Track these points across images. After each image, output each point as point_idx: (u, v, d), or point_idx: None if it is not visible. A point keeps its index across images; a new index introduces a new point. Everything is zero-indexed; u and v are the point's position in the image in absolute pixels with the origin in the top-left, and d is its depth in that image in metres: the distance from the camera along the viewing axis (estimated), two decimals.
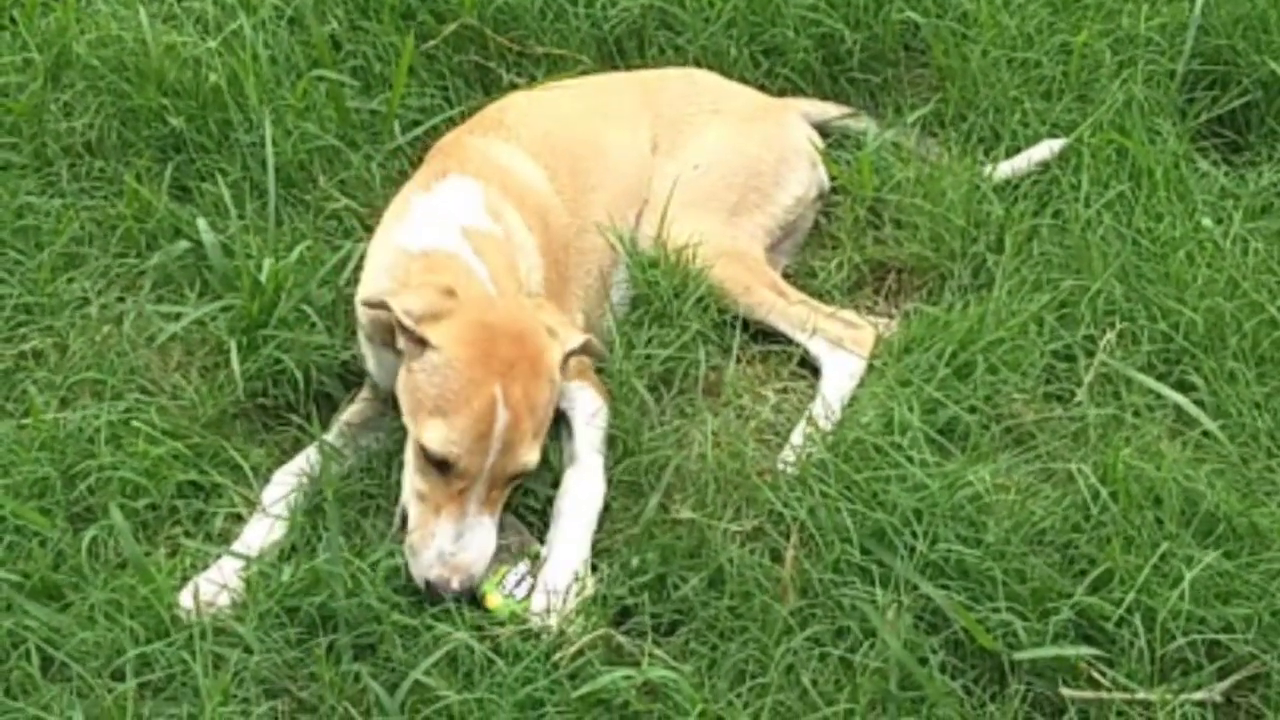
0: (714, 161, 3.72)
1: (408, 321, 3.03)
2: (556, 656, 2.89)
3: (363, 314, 3.27)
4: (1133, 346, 3.46)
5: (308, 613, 2.96)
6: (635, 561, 3.05)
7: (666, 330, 3.46)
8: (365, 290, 3.30)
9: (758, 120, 3.85)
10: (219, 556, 3.07)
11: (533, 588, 3.02)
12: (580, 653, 2.90)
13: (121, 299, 3.56)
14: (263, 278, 3.37)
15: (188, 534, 3.16)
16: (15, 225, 3.63)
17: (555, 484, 3.21)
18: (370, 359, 3.33)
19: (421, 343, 3.03)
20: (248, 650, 2.91)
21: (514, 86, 4.02)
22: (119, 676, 2.87)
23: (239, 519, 3.19)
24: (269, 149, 3.67)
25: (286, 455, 3.28)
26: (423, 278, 3.15)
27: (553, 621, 2.95)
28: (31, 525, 3.05)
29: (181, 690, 2.86)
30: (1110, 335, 3.46)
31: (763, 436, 3.38)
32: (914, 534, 3.04)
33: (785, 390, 3.52)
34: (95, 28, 3.99)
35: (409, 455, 3.08)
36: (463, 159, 3.46)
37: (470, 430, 2.98)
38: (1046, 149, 3.85)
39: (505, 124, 3.60)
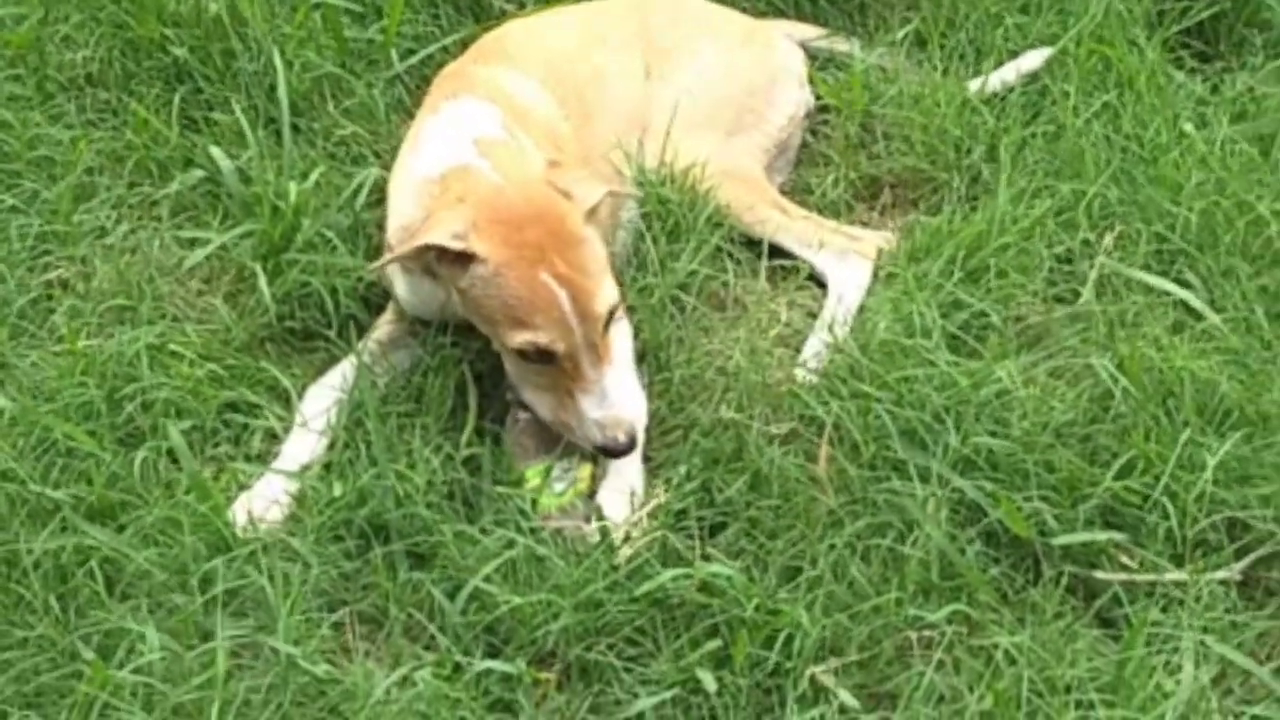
0: (708, 84, 3.74)
1: (456, 245, 3.06)
2: (615, 560, 2.95)
3: (396, 243, 3.28)
4: (1131, 247, 3.55)
5: (359, 526, 3.00)
6: (683, 470, 3.12)
7: (679, 246, 3.51)
8: (394, 221, 3.32)
9: (747, 42, 3.88)
10: (263, 473, 3.10)
11: (574, 483, 3.12)
12: (636, 554, 2.96)
13: (140, 228, 3.55)
14: (289, 201, 3.37)
15: (229, 455, 3.17)
16: (29, 156, 3.61)
17: None
18: (401, 285, 3.34)
19: (464, 258, 3.07)
20: (305, 565, 2.94)
21: (504, 14, 4.03)
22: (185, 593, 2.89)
23: (275, 438, 3.20)
24: (280, 75, 3.66)
25: (319, 375, 3.29)
26: (441, 200, 3.18)
27: (618, 537, 3.02)
28: (83, 447, 3.06)
29: (249, 605, 2.89)
30: (1109, 237, 3.57)
31: (786, 345, 3.44)
32: (944, 429, 3.13)
33: (793, 304, 3.57)
34: None
35: (509, 364, 3.17)
36: (472, 84, 3.47)
37: (548, 320, 3.05)
38: (1035, 59, 3.91)
39: (508, 52, 3.60)
